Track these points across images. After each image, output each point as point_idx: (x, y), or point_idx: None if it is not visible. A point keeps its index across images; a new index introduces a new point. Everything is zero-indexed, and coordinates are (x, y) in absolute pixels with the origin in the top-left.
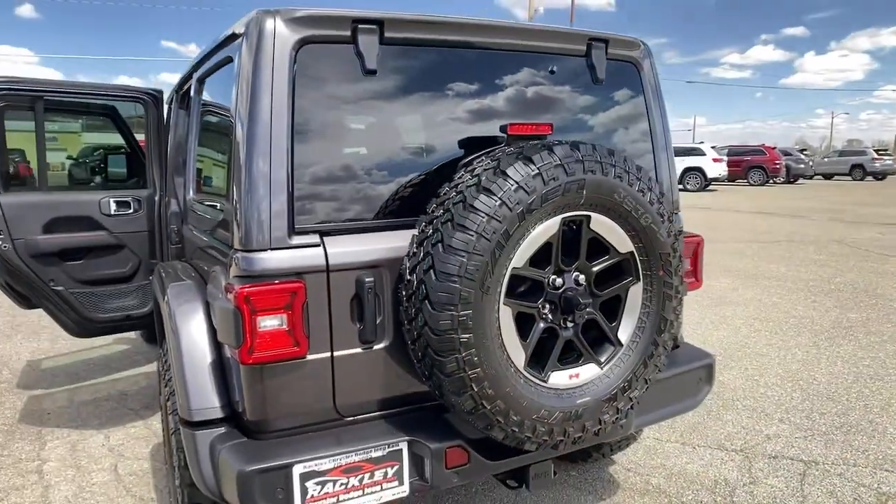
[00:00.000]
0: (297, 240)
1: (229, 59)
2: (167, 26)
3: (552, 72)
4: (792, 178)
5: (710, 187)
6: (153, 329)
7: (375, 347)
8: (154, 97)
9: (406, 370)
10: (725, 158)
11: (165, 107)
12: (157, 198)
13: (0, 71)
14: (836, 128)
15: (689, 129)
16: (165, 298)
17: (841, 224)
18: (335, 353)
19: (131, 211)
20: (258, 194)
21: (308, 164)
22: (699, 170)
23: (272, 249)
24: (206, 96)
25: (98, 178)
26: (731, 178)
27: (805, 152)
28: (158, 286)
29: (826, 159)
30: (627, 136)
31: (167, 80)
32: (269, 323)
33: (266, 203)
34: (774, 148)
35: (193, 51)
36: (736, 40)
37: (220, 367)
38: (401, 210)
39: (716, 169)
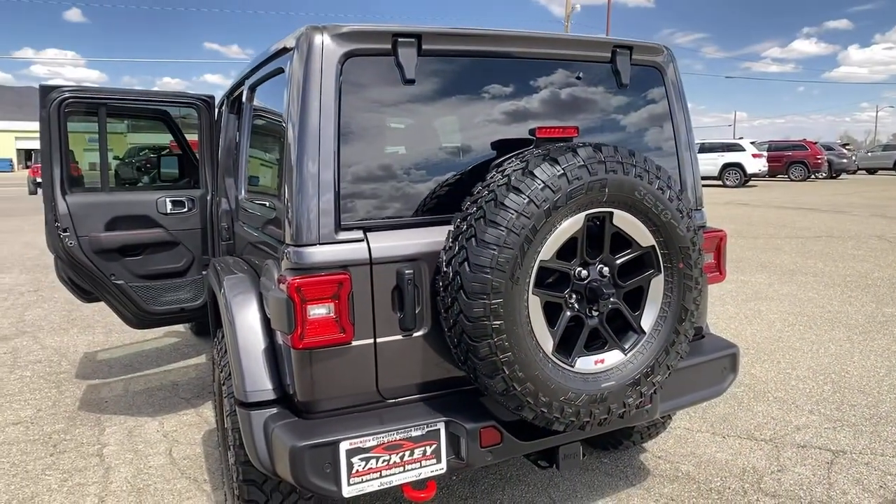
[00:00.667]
0: (343, 235)
1: (280, 70)
2: (210, 28)
3: (579, 78)
4: (834, 173)
5: (750, 183)
6: (205, 321)
7: (415, 335)
8: (206, 102)
9: (443, 356)
10: (766, 154)
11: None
12: (209, 197)
13: (47, 72)
14: (882, 121)
15: (730, 125)
16: (222, 290)
17: (883, 219)
18: (378, 340)
19: (185, 210)
20: (308, 193)
21: (352, 165)
22: (739, 165)
23: (320, 244)
24: (257, 103)
25: (146, 179)
26: (772, 174)
27: (848, 147)
28: (215, 279)
29: (870, 154)
30: (652, 137)
31: (209, 81)
32: (318, 311)
33: (315, 202)
34: (816, 143)
35: (236, 52)
36: (777, 34)
37: (273, 353)
38: (437, 207)
39: (755, 164)
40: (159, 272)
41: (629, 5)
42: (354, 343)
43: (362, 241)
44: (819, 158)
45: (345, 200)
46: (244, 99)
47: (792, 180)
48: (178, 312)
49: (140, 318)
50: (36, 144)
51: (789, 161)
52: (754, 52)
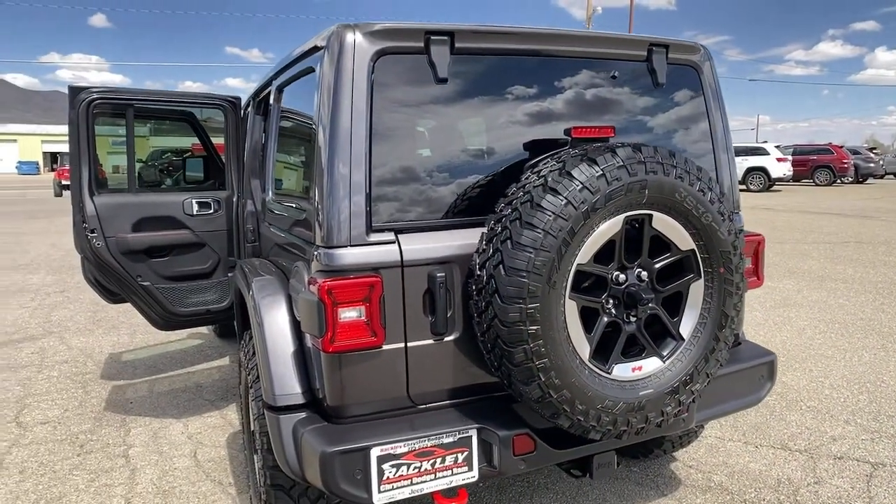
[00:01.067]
0: (374, 237)
1: (310, 70)
2: (231, 32)
3: (614, 77)
4: (861, 177)
5: (774, 187)
6: (230, 323)
7: (446, 339)
8: (233, 104)
9: (475, 361)
10: (790, 158)
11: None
12: (234, 199)
13: (72, 76)
14: None
15: (753, 129)
16: (250, 292)
17: None
18: (409, 344)
19: (211, 211)
20: (339, 194)
21: (384, 166)
22: (762, 170)
23: (351, 246)
24: (285, 103)
25: (168, 181)
26: (797, 178)
27: (875, 151)
28: (242, 281)
29: None
30: (688, 138)
31: (230, 85)
32: (349, 314)
33: (346, 203)
34: (842, 147)
35: (256, 55)
36: (801, 36)
37: (302, 356)
38: (470, 209)
39: (780, 168)
40: (185, 274)
41: (650, 8)
42: (385, 347)
43: (393, 243)
44: (845, 162)
45: (376, 201)
46: (271, 100)
47: (817, 185)
48: (203, 314)
49: (166, 319)
50: (61, 147)
51: (815, 165)
52: (778, 54)
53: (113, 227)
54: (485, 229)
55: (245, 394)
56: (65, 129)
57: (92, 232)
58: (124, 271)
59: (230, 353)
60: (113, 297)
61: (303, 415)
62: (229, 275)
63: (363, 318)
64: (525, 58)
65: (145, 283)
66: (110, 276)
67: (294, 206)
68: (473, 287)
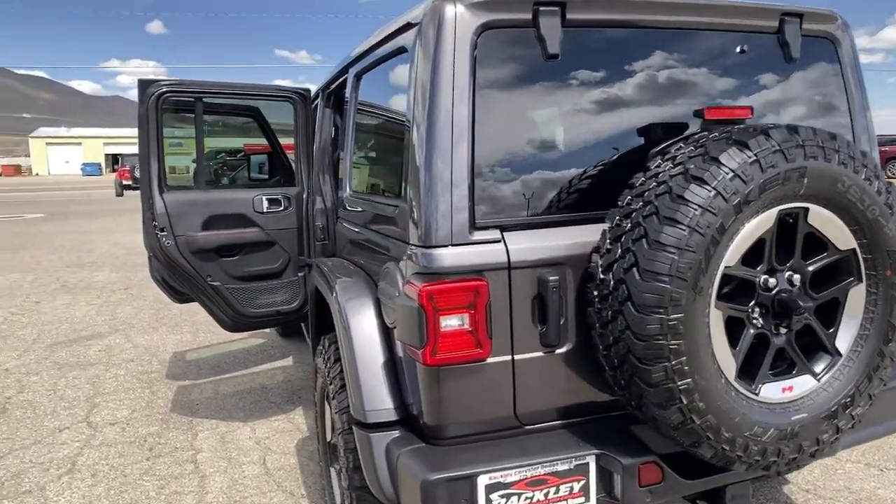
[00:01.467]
0: (477, 235)
1: (401, 50)
2: (280, 36)
3: (742, 51)
4: None
5: None
6: (298, 324)
7: (557, 351)
8: (302, 96)
9: (589, 376)
10: None
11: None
12: (304, 195)
13: (131, 82)
14: None
15: None
16: (334, 294)
17: None
18: (516, 357)
19: (281, 208)
20: (438, 188)
21: (488, 156)
22: None
23: (453, 245)
24: (365, 92)
25: (225, 181)
26: None
27: None
28: (322, 282)
29: None
30: (824, 119)
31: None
32: (452, 323)
33: (446, 197)
34: None
35: (304, 57)
36: (865, 22)
37: (393, 367)
38: (585, 203)
39: None
40: (255, 273)
41: None
42: (490, 360)
43: (499, 241)
44: None
45: (480, 195)
46: (348, 90)
47: (890, 178)
48: (273, 315)
49: (235, 320)
50: (121, 149)
51: (887, 157)
52: None
53: (182, 226)
54: (606, 225)
55: (321, 402)
56: (123, 131)
57: (161, 230)
58: (194, 271)
59: (293, 353)
60: (179, 296)
61: (396, 433)
62: (299, 274)
63: (467, 327)
64: (644, 30)
65: (215, 284)
66: (179, 276)
67: (380, 202)
68: (595, 293)
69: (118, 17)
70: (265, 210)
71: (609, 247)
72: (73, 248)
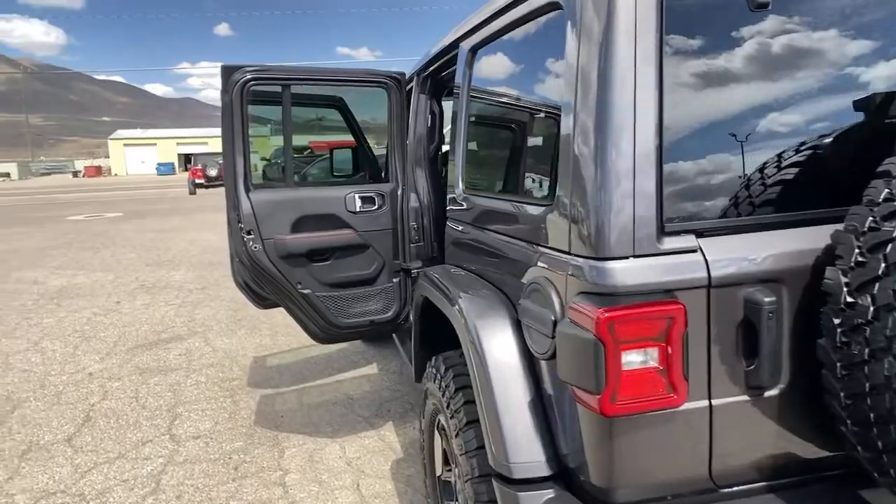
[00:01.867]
0: (668, 243)
1: (551, 7)
2: (342, 33)
3: None
4: None
5: None
6: (390, 335)
7: (767, 394)
8: (397, 80)
9: (805, 426)
10: None
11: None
12: (399, 192)
13: (201, 83)
14: None
15: None
16: (456, 309)
17: None
18: (714, 402)
19: (375, 207)
20: (612, 181)
21: (681, 139)
22: None
23: (635, 257)
24: (487, 68)
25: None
26: None
27: None
28: (438, 293)
29: None
30: None
31: None
32: (638, 360)
33: (627, 192)
34: None
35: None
36: None
37: (542, 407)
38: (808, 198)
39: None
40: (347, 280)
41: None
42: (683, 407)
43: (695, 251)
44: None
45: (671, 190)
46: (460, 68)
47: None
48: (366, 326)
49: (327, 332)
50: (193, 149)
51: None
52: None
53: (271, 228)
54: (846, 229)
55: (430, 430)
56: (194, 132)
57: (248, 233)
58: (283, 278)
59: (377, 359)
60: (263, 301)
61: (550, 493)
62: (394, 280)
63: (657, 365)
64: None
65: (305, 292)
66: (266, 283)
67: (515, 200)
68: (836, 321)
69: (189, 20)
70: (358, 209)
71: (861, 259)
72: (151, 247)
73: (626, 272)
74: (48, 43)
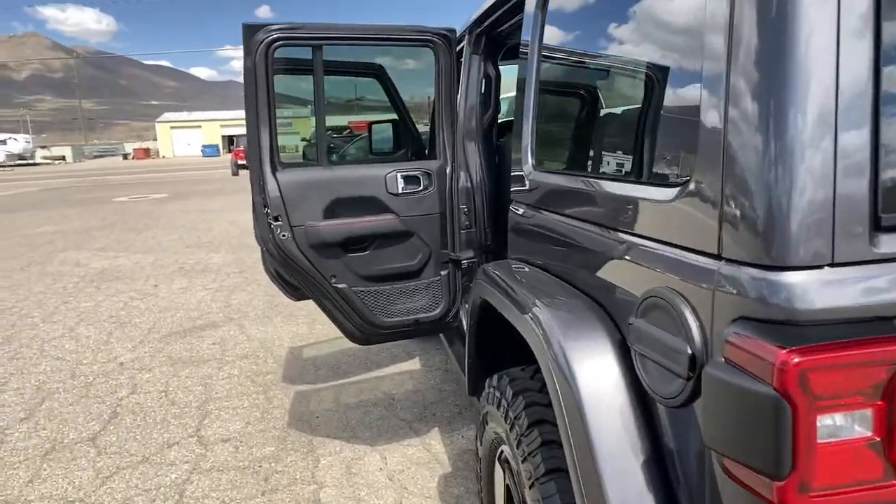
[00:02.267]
0: (886, 244)
1: None
2: (375, 12)
3: None
4: None
5: None
6: (437, 334)
7: None
8: (446, 38)
9: None
10: None
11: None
12: (448, 170)
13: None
14: None
15: None
16: (532, 321)
17: None
18: None
19: (420, 188)
20: (796, 158)
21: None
22: None
23: (835, 265)
24: (570, 19)
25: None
26: None
27: None
28: (504, 298)
29: None
30: None
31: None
32: (841, 427)
33: (821, 168)
34: None
35: None
36: None
37: (661, 467)
38: None
39: None
40: (389, 273)
41: None
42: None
43: None
44: None
45: (888, 174)
46: (528, 21)
47: None
48: (410, 326)
49: (366, 332)
50: (236, 131)
51: None
52: None
53: (301, 213)
54: None
55: (489, 460)
56: (237, 114)
57: (276, 219)
58: (316, 271)
59: (419, 353)
60: (296, 292)
61: None
62: (442, 273)
63: (869, 434)
64: None
65: (340, 286)
66: (297, 275)
67: (625, 180)
68: None
69: (230, 2)
70: (400, 191)
71: None
72: (193, 228)
73: (821, 289)
74: (100, 30)
